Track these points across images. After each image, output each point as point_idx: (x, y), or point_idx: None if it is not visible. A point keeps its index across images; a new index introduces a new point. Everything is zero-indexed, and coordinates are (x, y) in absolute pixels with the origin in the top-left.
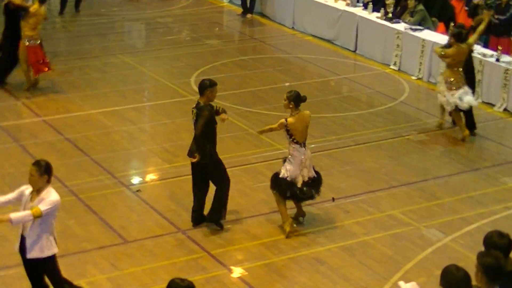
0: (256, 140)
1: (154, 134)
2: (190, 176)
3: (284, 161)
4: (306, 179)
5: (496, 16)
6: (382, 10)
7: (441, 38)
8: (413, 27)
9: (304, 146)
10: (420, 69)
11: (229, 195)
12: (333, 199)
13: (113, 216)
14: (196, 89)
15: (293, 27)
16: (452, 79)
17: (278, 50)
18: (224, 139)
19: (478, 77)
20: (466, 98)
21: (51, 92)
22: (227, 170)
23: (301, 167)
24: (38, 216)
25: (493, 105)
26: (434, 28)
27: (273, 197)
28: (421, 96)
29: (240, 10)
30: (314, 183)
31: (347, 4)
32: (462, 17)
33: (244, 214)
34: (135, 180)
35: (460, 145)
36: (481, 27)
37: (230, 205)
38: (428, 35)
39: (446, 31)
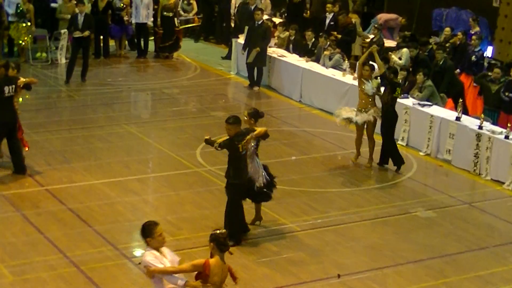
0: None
1: (157, 206)
2: (194, 249)
3: None
4: (262, 185)
5: (506, 94)
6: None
7: (450, 114)
8: (422, 102)
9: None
10: (428, 145)
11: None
12: (339, 276)
13: None
14: (202, 161)
15: (300, 100)
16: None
17: (285, 123)
18: None
19: (486, 154)
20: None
21: (54, 161)
22: None
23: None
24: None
25: (502, 183)
26: (442, 104)
27: (276, 272)
28: (429, 172)
29: (247, 82)
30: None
31: (355, 78)
32: (471, 93)
33: None
34: (138, 252)
35: (468, 223)
36: (363, 57)
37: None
38: (436, 110)
39: (454, 107)
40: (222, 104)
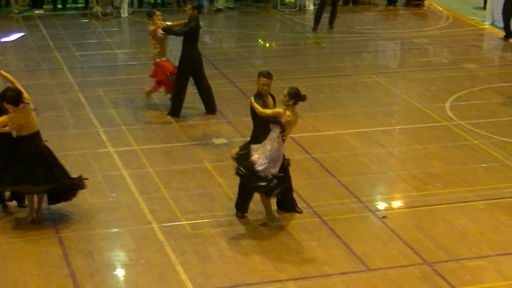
0: None
1: (403, 159)
2: (440, 206)
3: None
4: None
5: None
6: None
7: None
8: None
9: None
10: None
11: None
12: None
13: (357, 241)
14: (451, 114)
15: None
16: None
17: None
18: (478, 170)
19: None
20: None
21: (300, 109)
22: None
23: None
24: None
25: None
26: None
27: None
28: None
29: (502, 33)
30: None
31: None
32: None
33: (495, 251)
34: (381, 206)
35: None
36: None
37: (481, 240)
38: None
39: None
40: (475, 56)
